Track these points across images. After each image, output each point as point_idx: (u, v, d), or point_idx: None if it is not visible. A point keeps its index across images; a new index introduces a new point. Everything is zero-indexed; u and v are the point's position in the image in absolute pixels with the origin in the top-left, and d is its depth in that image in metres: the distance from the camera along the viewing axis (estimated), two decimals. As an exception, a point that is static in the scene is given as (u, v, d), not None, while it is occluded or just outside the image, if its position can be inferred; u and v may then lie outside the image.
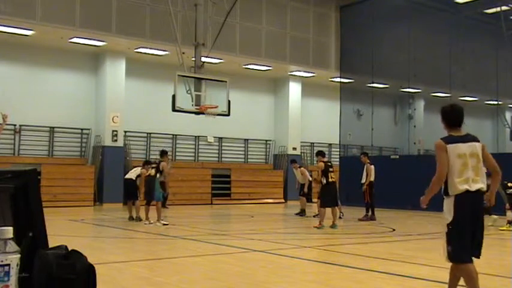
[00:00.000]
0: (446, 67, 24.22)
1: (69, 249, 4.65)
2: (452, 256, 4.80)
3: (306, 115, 25.45)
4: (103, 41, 18.73)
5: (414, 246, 9.99)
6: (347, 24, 23.24)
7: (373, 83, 24.34)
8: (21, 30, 17.36)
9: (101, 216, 16.26)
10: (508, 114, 26.91)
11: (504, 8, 23.83)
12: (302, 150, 25.43)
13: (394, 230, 12.50)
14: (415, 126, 27.81)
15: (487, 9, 25.06)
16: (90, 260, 4.68)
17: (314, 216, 15.11)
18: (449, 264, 7.47)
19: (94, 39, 18.51)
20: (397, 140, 27.66)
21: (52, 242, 4.85)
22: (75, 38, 18.29)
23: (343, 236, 12.55)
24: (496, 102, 26.74)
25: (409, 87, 26.99)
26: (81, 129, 20.17)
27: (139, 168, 14.33)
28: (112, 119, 19.67)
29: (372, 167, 15.54)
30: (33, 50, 19.20)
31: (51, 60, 19.68)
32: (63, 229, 11.88)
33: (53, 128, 19.71)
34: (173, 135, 22.17)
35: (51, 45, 19.15)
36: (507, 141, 26.15)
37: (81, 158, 20.22)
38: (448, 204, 4.83)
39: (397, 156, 22.80)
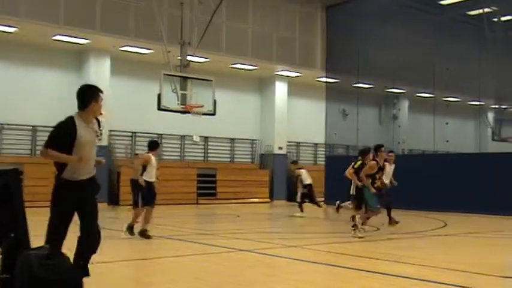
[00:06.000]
0: (430, 68, 24.39)
1: (52, 250, 4.58)
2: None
3: (292, 115, 25.46)
4: (87, 39, 18.56)
5: (400, 245, 10.02)
6: (333, 24, 23.30)
7: (358, 83, 24.43)
8: (4, 27, 17.13)
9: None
10: (490, 115, 27.17)
11: (487, 10, 24.04)
12: (288, 150, 25.45)
13: (378, 229, 12.53)
14: (399, 126, 27.99)
15: (471, 11, 25.28)
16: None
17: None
18: (432, 262, 7.52)
19: (78, 37, 18.33)
20: (382, 139, 27.68)
21: (35, 243, 4.78)
22: (58, 36, 18.11)
23: (329, 235, 12.56)
24: (478, 103, 26.98)
25: (393, 88, 27.15)
26: (65, 128, 19.96)
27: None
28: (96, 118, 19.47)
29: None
30: (16, 48, 18.96)
31: (34, 58, 19.46)
32: (45, 229, 11.73)
33: (36, 126, 19.48)
34: (159, 134, 22.04)
35: (35, 43, 18.94)
36: (489, 141, 26.39)
37: (65, 157, 19.99)
38: None
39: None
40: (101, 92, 5.30)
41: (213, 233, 12.25)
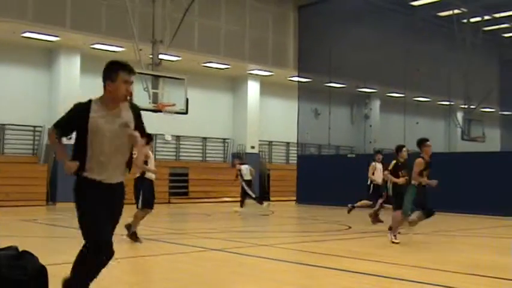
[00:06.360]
0: (401, 68, 24.72)
1: (21, 250, 4.52)
2: None
3: (264, 114, 25.51)
4: (57, 36, 18.29)
5: (370, 244, 10.14)
6: (305, 24, 23.44)
7: (330, 82, 24.62)
8: (-29, 23, 16.80)
9: (54, 215, 15.90)
10: (459, 115, 27.67)
11: (457, 11, 24.48)
12: (260, 149, 25.49)
13: (350, 227, 12.66)
14: (371, 126, 28.28)
15: (441, 12, 25.71)
16: (43, 261, 4.57)
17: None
18: (401, 260, 7.64)
19: (47, 34, 18.06)
20: (354, 139, 28.08)
21: (3, 243, 4.70)
22: (27, 33, 17.80)
23: (300, 234, 12.63)
24: (448, 103, 27.43)
25: (365, 87, 27.43)
26: (34, 127, 19.65)
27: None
28: (66, 116, 19.23)
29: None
30: (-17, 44, 18.60)
31: (2, 55, 19.09)
32: (15, 229, 11.55)
33: (4, 125, 19.13)
34: (130, 133, 21.86)
35: (3, 40, 18.58)
36: (458, 140, 26.88)
37: (33, 156, 19.70)
38: None
39: (354, 155, 23.10)
40: (126, 69, 4.13)
41: (184, 232, 12.21)
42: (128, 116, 4.16)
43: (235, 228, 13.52)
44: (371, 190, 13.57)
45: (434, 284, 6.12)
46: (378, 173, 13.61)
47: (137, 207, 9.42)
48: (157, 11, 16.28)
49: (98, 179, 4.06)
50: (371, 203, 13.60)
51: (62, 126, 4.15)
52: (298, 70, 23.49)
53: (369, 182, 13.65)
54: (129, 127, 4.11)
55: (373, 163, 13.86)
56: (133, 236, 9.33)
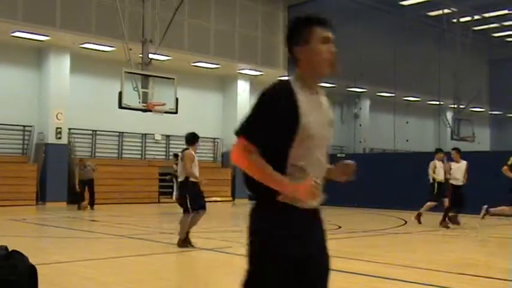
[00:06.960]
0: (391, 67, 24.83)
1: (10, 249, 4.49)
2: None
3: (254, 113, 25.50)
4: (47, 36, 18.18)
5: (359, 243, 10.17)
6: (295, 24, 23.45)
7: (320, 82, 24.68)
8: (-41, 22, 16.65)
9: (44, 215, 15.82)
10: (448, 114, 27.83)
11: (446, 11, 24.64)
12: (250, 149, 25.49)
13: (340, 227, 12.69)
14: (360, 125, 28.39)
15: (431, 12, 25.87)
16: (32, 260, 4.55)
17: None
18: (392, 260, 7.66)
19: (37, 34, 17.95)
20: (344, 138, 28.16)
21: (-9, 243, 4.66)
22: (17, 32, 17.68)
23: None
24: (437, 103, 27.60)
25: (355, 87, 27.52)
26: (23, 126, 19.52)
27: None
28: (56, 116, 19.13)
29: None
30: (-28, 44, 18.45)
31: (-9, 55, 18.98)
32: (4, 229, 11.48)
33: (-7, 124, 19.01)
34: (120, 132, 21.78)
35: (-8, 39, 18.47)
36: (448, 140, 27.06)
37: (23, 156, 19.57)
38: None
39: (343, 155, 23.16)
40: (321, 22, 2.73)
41: (174, 232, 12.17)
42: (328, 106, 2.67)
43: (226, 227, 13.51)
44: (435, 190, 13.45)
45: (426, 283, 6.15)
46: (439, 171, 13.55)
47: (188, 212, 9.00)
48: (147, 11, 16.23)
49: (304, 206, 2.46)
50: (434, 204, 13.22)
51: (261, 134, 2.51)
52: (287, 70, 23.52)
53: (431, 181, 13.51)
54: (331, 117, 2.64)
55: (434, 161, 13.73)
56: (185, 242, 8.79)
